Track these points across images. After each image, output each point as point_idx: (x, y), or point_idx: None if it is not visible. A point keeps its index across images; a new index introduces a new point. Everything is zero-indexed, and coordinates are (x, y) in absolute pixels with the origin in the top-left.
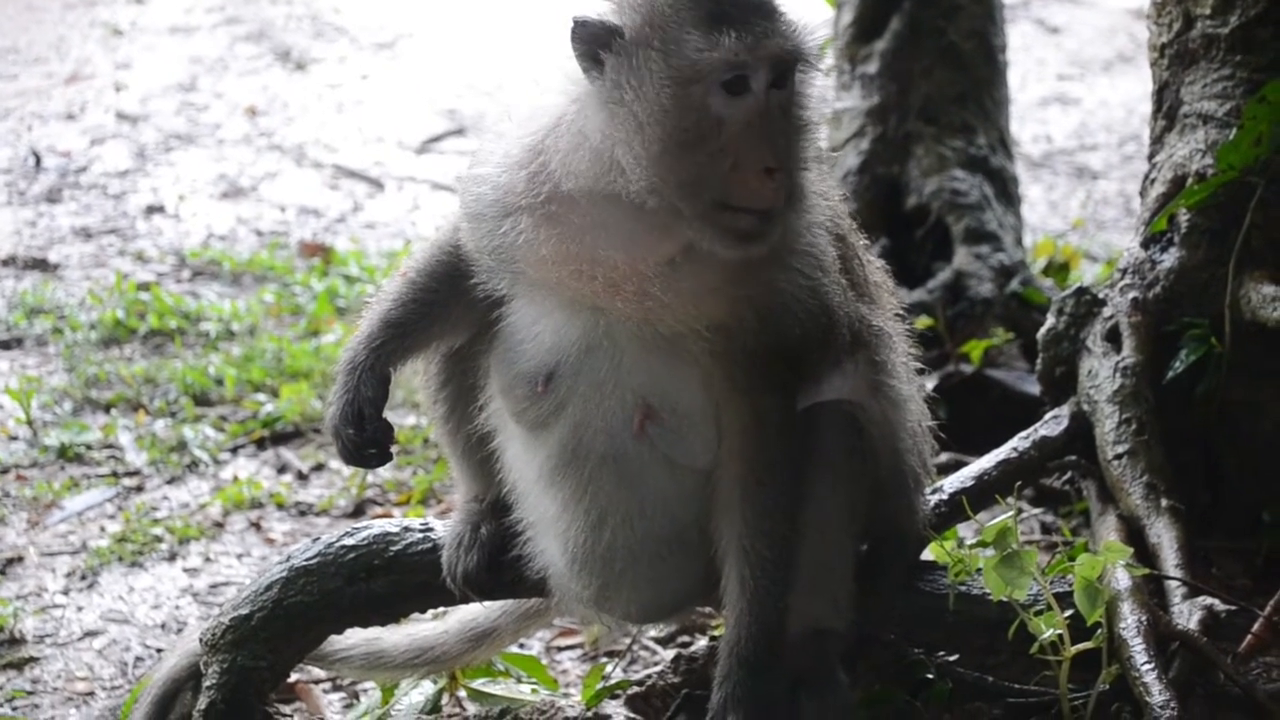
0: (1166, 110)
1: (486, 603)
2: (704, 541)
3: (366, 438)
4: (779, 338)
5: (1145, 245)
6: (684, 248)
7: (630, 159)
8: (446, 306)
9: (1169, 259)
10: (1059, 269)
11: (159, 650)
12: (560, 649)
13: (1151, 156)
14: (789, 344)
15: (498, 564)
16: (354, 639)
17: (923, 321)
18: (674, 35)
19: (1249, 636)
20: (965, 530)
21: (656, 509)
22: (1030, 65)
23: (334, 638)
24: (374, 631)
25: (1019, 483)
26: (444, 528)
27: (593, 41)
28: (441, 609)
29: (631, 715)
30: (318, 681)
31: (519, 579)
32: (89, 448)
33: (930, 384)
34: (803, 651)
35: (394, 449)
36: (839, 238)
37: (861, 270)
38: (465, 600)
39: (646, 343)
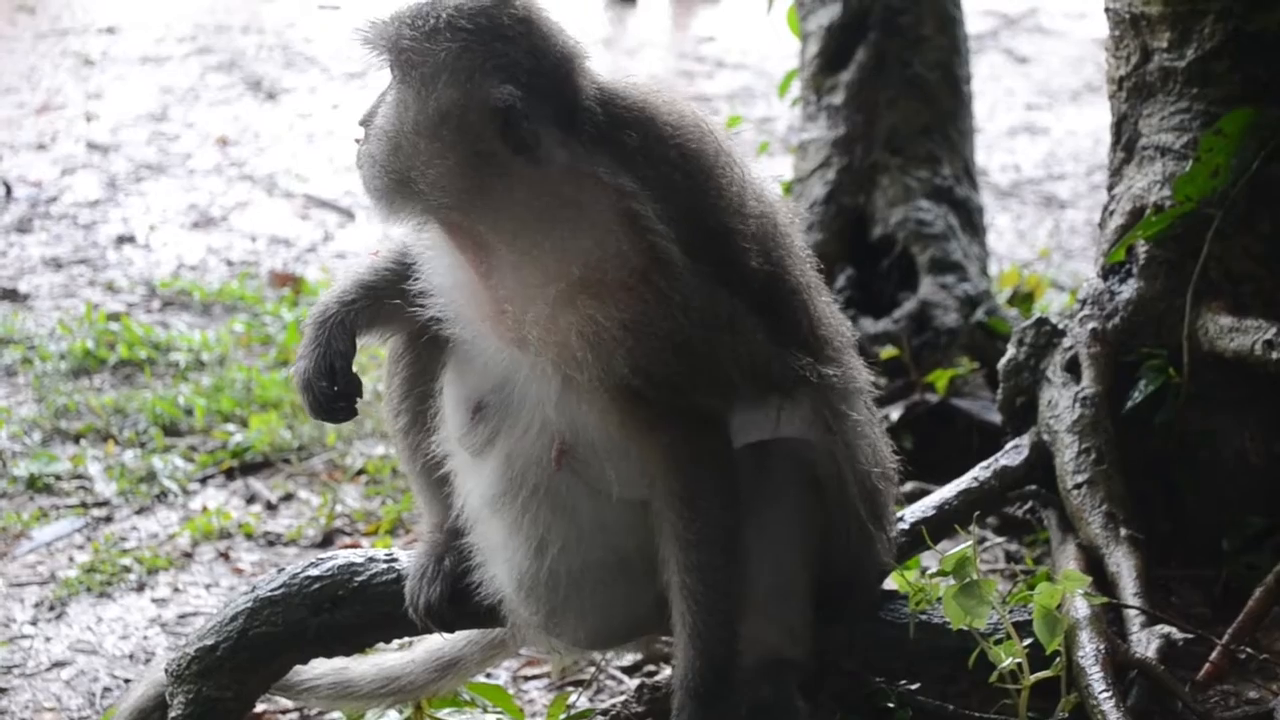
0: (1125, 142)
1: (451, 634)
2: (651, 569)
3: (339, 391)
4: (631, 374)
5: (1104, 276)
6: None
7: None
8: (415, 283)
9: (1127, 290)
10: (1024, 298)
11: (127, 681)
12: (526, 678)
13: (1110, 188)
14: (647, 381)
15: (461, 595)
16: (321, 669)
17: (888, 351)
18: None
19: (1207, 664)
20: (928, 559)
21: (595, 536)
22: (999, 95)
23: (301, 667)
24: (341, 661)
25: (978, 512)
26: (409, 558)
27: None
28: (407, 639)
29: None
30: (284, 712)
31: (480, 608)
32: (58, 478)
33: (895, 413)
34: (760, 681)
35: (359, 403)
36: (789, 273)
37: (808, 316)
38: (428, 631)
39: (549, 378)
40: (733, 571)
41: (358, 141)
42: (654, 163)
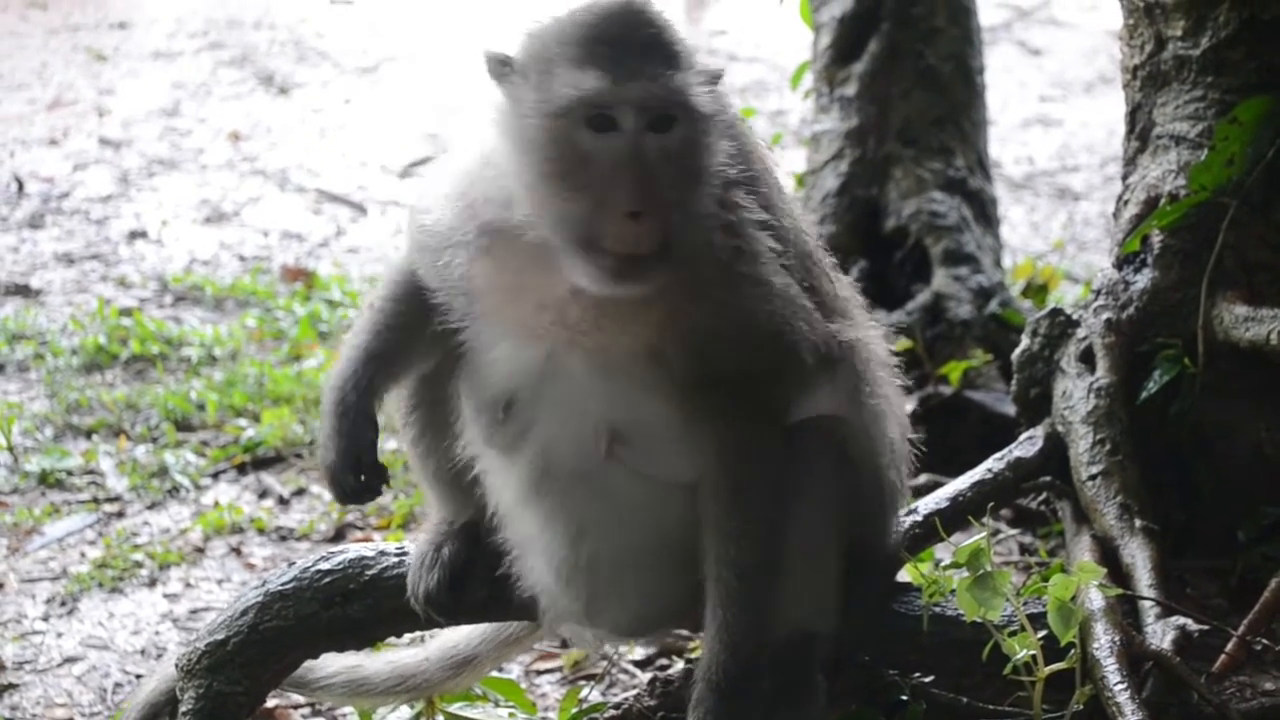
0: (1139, 131)
1: (466, 629)
2: (689, 556)
3: (365, 483)
4: (723, 365)
5: (1119, 266)
6: None
7: (515, 191)
8: (420, 331)
9: (1142, 280)
10: (1038, 290)
11: (138, 676)
12: (539, 673)
13: (1125, 177)
14: (737, 371)
15: (460, 583)
16: (335, 666)
17: (902, 343)
18: (547, 70)
19: (1223, 656)
20: (942, 551)
21: (638, 521)
22: (1012, 87)
23: (315, 665)
24: (355, 659)
25: (992, 504)
26: (419, 538)
27: (494, 73)
28: (419, 634)
29: None
30: (296, 706)
31: (496, 598)
32: (70, 474)
33: (909, 406)
34: (785, 654)
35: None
36: (804, 255)
37: (830, 288)
38: (430, 623)
39: (601, 369)
40: (771, 569)
41: None
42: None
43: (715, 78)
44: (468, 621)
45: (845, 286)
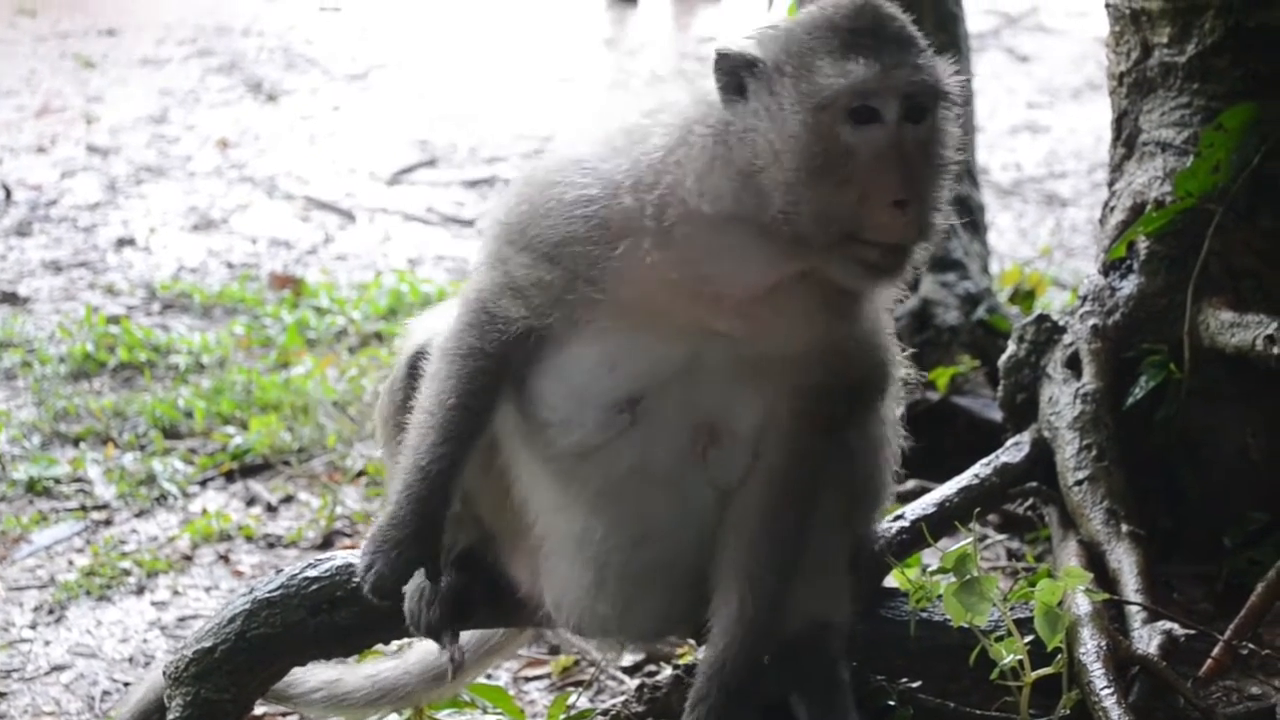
0: (1125, 138)
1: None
2: (707, 562)
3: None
4: (844, 377)
5: (1105, 272)
6: (793, 275)
7: (768, 186)
8: (498, 395)
9: (1128, 286)
10: (1025, 296)
11: (127, 684)
12: (527, 679)
13: (1111, 184)
14: (850, 386)
15: (461, 615)
16: (315, 681)
17: None
18: (806, 63)
19: (1209, 660)
20: (929, 557)
21: (694, 527)
22: (1000, 94)
23: (295, 680)
24: (335, 672)
25: (979, 509)
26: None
27: (734, 71)
28: (405, 641)
29: None
30: (284, 715)
31: (499, 615)
32: (57, 481)
33: (898, 412)
34: (802, 649)
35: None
36: None
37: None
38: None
39: (728, 368)
40: (796, 569)
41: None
42: None
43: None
44: (468, 629)
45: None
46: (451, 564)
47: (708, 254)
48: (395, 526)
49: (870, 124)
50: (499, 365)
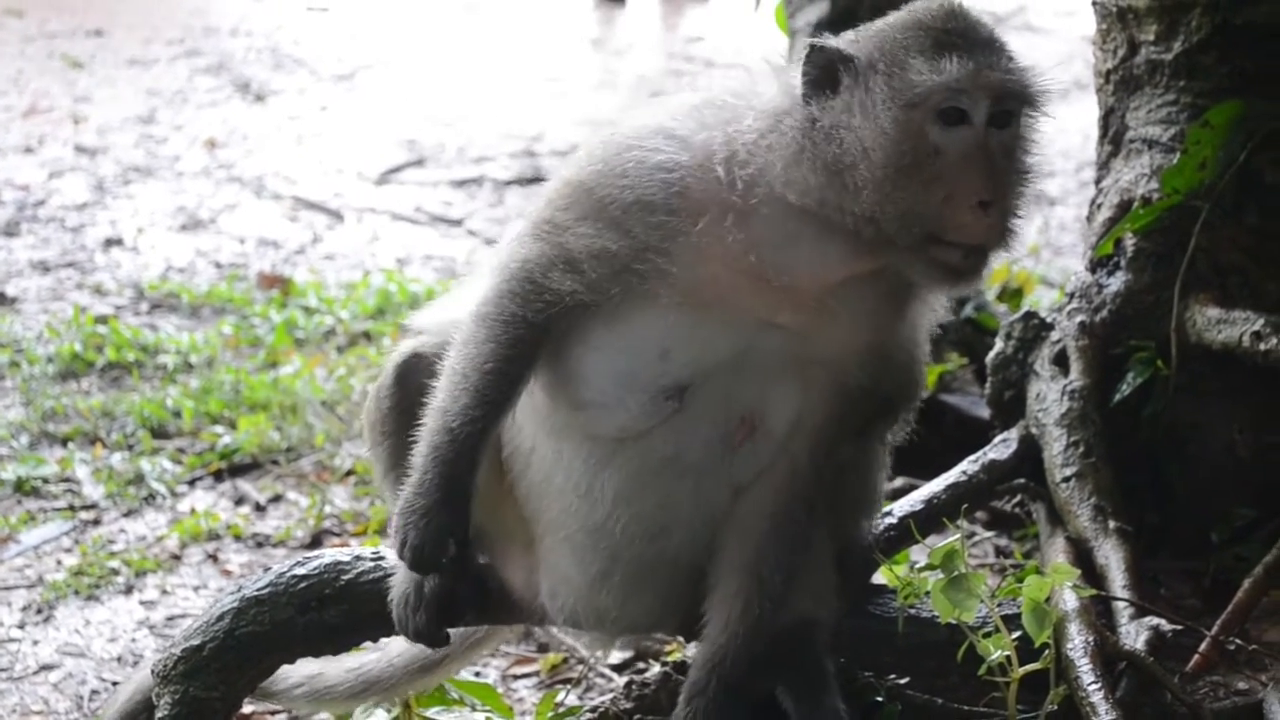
0: (1112, 136)
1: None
2: (709, 556)
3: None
4: (883, 382)
5: (1092, 269)
6: (863, 273)
7: (856, 183)
8: (533, 366)
9: (1115, 283)
10: (1014, 294)
11: (115, 684)
12: (516, 677)
13: (1098, 181)
14: (885, 394)
15: (448, 618)
16: (297, 675)
17: None
18: (899, 61)
19: (1197, 656)
20: (917, 554)
21: (704, 521)
22: None
23: (278, 675)
24: (317, 666)
25: (967, 506)
26: (391, 564)
27: (828, 65)
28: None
29: None
30: (273, 713)
31: (487, 614)
32: (46, 481)
33: None
34: (791, 642)
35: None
36: None
37: None
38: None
39: (777, 363)
40: (796, 571)
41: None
42: None
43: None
44: (460, 625)
45: None
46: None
47: (787, 240)
48: (422, 494)
49: (959, 125)
50: (539, 335)
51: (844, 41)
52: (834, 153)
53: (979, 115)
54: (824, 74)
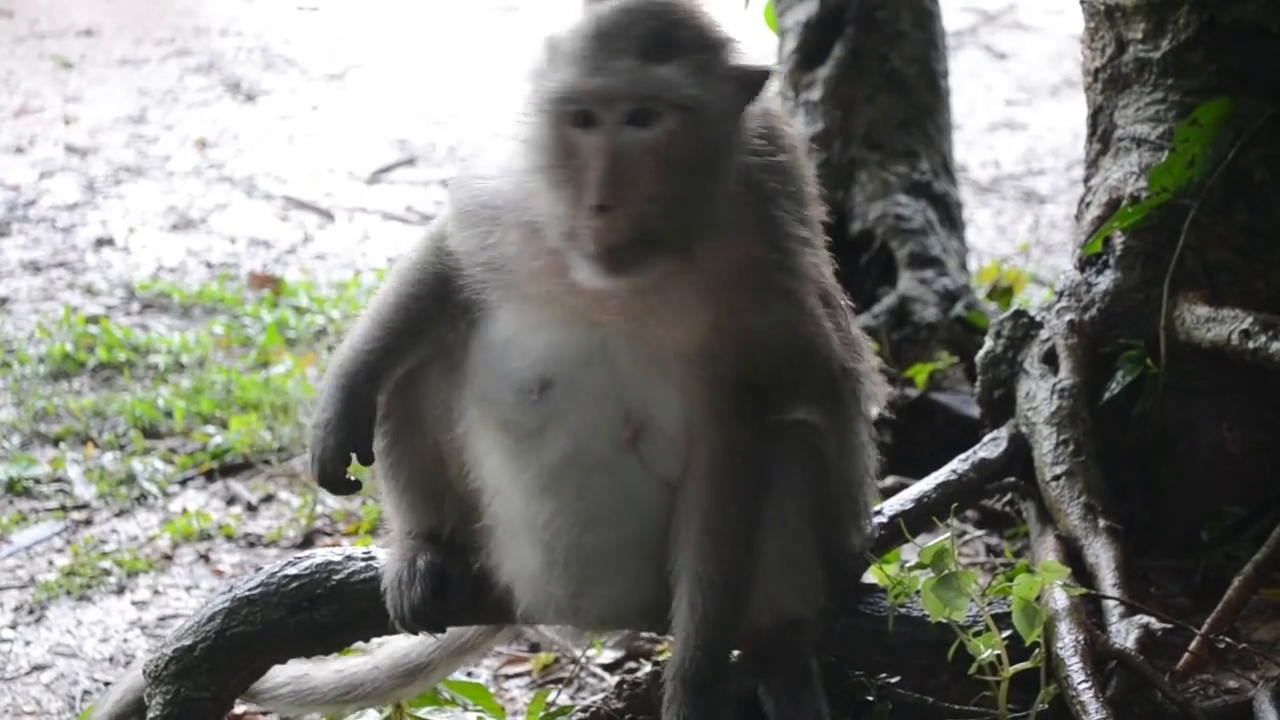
0: (1101, 134)
1: (422, 637)
2: (663, 553)
3: (353, 481)
4: (753, 371)
5: (1081, 268)
6: (661, 273)
7: (530, 186)
8: (433, 318)
9: (1104, 281)
10: (1004, 293)
11: (107, 684)
12: (508, 676)
13: (1087, 180)
14: (763, 378)
15: (442, 593)
16: (283, 676)
17: None
18: (546, 66)
19: (1187, 654)
20: (908, 553)
21: (638, 515)
22: (978, 91)
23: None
24: (302, 668)
25: (957, 504)
26: (385, 556)
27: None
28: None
29: None
30: (265, 713)
31: (474, 602)
32: (37, 481)
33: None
34: (775, 642)
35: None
36: (827, 290)
37: (846, 324)
38: (413, 633)
39: (638, 360)
40: (750, 565)
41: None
42: (772, 171)
43: (749, 76)
44: (453, 625)
45: (855, 327)
46: (426, 546)
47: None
48: (324, 408)
49: (590, 127)
50: (443, 287)
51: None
52: (521, 158)
53: (609, 118)
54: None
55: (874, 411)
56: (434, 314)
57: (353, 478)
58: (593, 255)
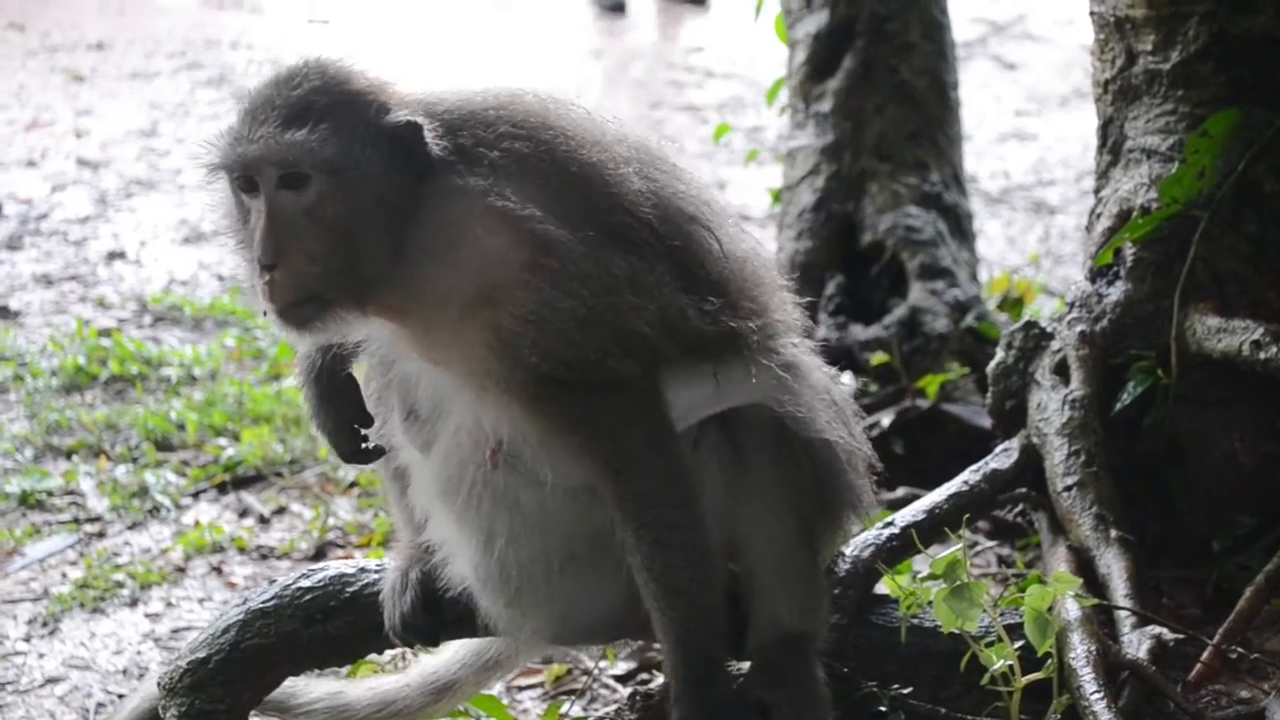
0: (1111, 145)
1: (447, 655)
2: (609, 558)
3: (371, 449)
4: (539, 367)
5: (1092, 279)
6: (382, 310)
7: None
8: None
9: (1115, 292)
10: (1014, 304)
11: (121, 696)
12: (520, 688)
13: (1097, 191)
14: (557, 370)
15: (434, 604)
16: (318, 692)
17: (878, 358)
18: (216, 137)
19: (1199, 665)
20: (920, 564)
21: (541, 527)
22: (988, 102)
23: (297, 691)
24: (336, 685)
25: (969, 515)
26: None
27: None
28: (401, 653)
29: None
30: None
31: (458, 615)
32: (50, 494)
33: (887, 419)
34: (780, 657)
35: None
36: (682, 219)
37: (718, 265)
38: (409, 646)
39: (458, 384)
40: (693, 561)
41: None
42: (492, 147)
43: (396, 131)
44: (448, 638)
45: (758, 264)
46: (421, 556)
47: None
48: (307, 401)
49: (254, 194)
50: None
51: None
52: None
53: (266, 183)
54: None
55: (793, 338)
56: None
57: (371, 445)
58: (270, 311)
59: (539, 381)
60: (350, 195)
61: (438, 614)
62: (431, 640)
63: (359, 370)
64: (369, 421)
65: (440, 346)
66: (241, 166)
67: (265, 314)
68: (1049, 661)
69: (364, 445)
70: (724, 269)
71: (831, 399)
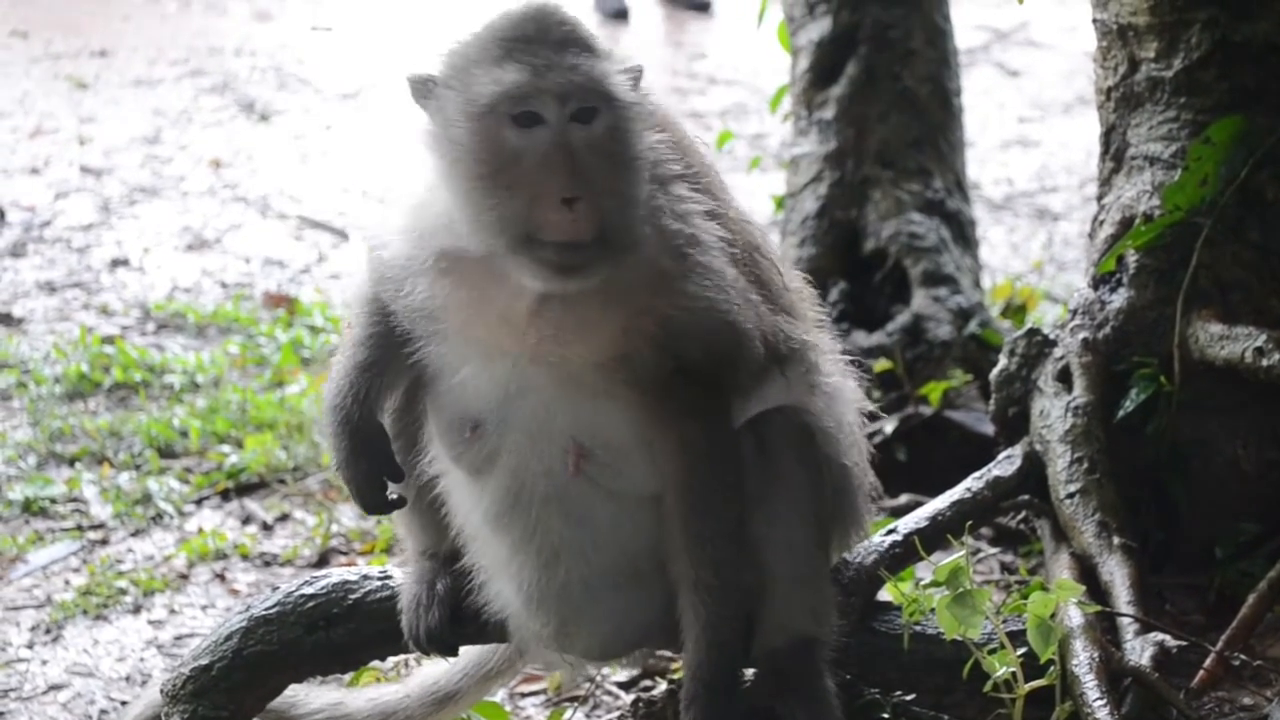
0: (1114, 152)
1: (449, 663)
2: (659, 570)
3: (393, 500)
4: (682, 361)
5: (1095, 286)
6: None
7: (451, 203)
8: (400, 345)
9: (1118, 299)
10: (1017, 310)
11: (124, 703)
12: (523, 695)
13: (1100, 198)
14: (695, 366)
15: (459, 617)
16: (318, 703)
17: (881, 365)
18: (467, 74)
19: (1201, 672)
20: (923, 570)
21: (610, 542)
22: (991, 109)
23: (298, 701)
24: (338, 695)
25: (972, 522)
26: (402, 575)
27: (418, 95)
28: (401, 658)
29: None
30: None
31: (481, 628)
32: (53, 501)
33: (890, 426)
34: (789, 662)
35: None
36: (751, 247)
37: (779, 280)
38: (427, 655)
39: (565, 382)
40: (741, 561)
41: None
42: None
43: (636, 72)
44: (470, 644)
45: (795, 280)
46: (444, 568)
47: (471, 283)
48: (335, 449)
49: (534, 127)
50: (390, 329)
51: (434, 64)
52: (440, 174)
53: (553, 115)
54: (422, 101)
55: (828, 362)
56: (393, 345)
57: (394, 495)
58: (550, 256)
59: (673, 373)
60: (632, 130)
61: (462, 627)
62: (453, 652)
63: (387, 421)
64: (399, 476)
65: (582, 322)
66: (543, 97)
67: (532, 261)
68: (1052, 668)
69: (389, 497)
70: (787, 298)
71: (854, 426)
